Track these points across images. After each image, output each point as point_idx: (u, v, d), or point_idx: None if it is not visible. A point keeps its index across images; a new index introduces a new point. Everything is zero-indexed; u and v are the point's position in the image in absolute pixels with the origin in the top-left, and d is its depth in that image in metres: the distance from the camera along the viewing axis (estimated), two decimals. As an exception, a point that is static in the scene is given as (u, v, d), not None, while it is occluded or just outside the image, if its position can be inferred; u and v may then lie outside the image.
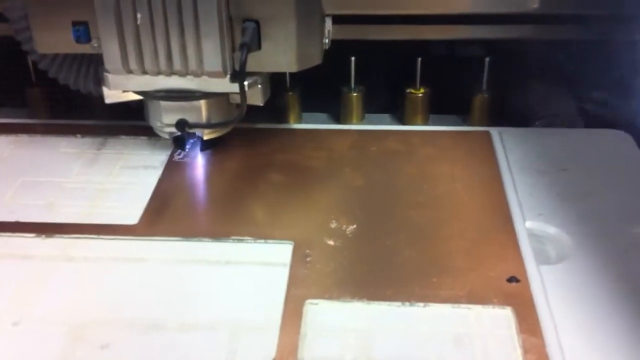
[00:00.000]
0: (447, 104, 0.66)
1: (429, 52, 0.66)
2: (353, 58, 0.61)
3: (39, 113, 0.64)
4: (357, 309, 0.41)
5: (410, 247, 0.46)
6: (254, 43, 0.48)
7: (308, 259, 0.45)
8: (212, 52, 0.48)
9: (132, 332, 0.39)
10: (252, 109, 0.51)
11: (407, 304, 0.41)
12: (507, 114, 0.66)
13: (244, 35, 0.47)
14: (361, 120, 0.63)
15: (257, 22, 0.48)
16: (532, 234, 0.47)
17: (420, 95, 0.62)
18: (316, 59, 0.50)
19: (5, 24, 0.59)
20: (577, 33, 0.65)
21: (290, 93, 0.62)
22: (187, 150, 0.56)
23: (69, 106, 0.64)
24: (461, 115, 0.65)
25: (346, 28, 0.60)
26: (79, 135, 0.59)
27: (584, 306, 0.41)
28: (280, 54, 0.49)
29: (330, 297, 0.42)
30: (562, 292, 0.42)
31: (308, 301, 0.41)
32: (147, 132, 0.57)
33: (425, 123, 0.63)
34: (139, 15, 0.47)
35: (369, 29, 0.64)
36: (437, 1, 0.61)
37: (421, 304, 0.41)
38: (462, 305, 0.41)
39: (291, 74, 0.62)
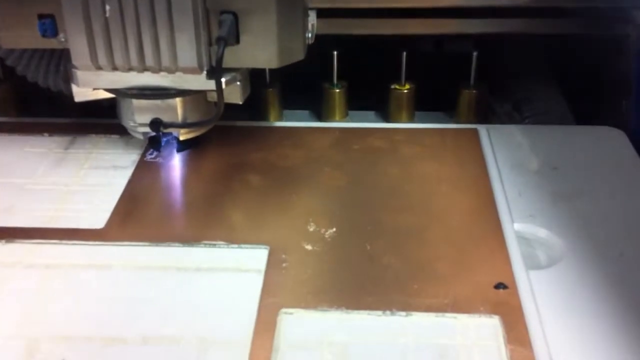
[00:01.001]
0: (432, 100, 0.63)
1: (414, 47, 0.63)
2: (335, 52, 0.58)
3: (7, 111, 0.61)
4: (335, 318, 0.38)
5: (392, 251, 0.43)
6: (232, 37, 0.45)
7: (284, 264, 0.42)
8: (187, 47, 0.45)
9: (90, 346, 0.37)
10: (231, 106, 0.48)
11: (388, 312, 0.39)
12: (494, 111, 0.63)
13: (220, 29, 0.44)
14: (344, 117, 0.61)
15: (235, 15, 0.45)
16: (521, 237, 0.45)
17: (405, 91, 0.59)
18: (298, 54, 0.47)
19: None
20: (567, 27, 0.63)
21: (270, 89, 0.59)
22: (160, 149, 0.53)
23: (39, 104, 0.61)
24: (447, 112, 0.62)
25: (329, 22, 0.57)
26: (46, 134, 0.56)
27: (575, 314, 0.39)
28: (260, 48, 0.46)
29: (307, 306, 0.39)
30: (552, 299, 0.40)
31: (282, 310, 0.39)
32: (120, 130, 0.54)
33: (411, 120, 0.60)
34: (107, 7, 0.44)
35: (352, 22, 0.61)
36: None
37: (403, 313, 0.39)
38: (447, 315, 0.38)
39: (271, 70, 0.59)
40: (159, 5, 0.44)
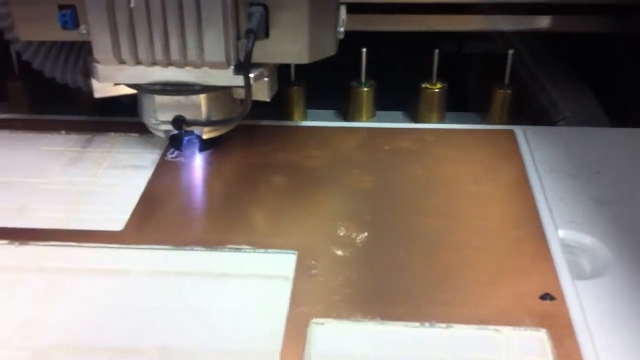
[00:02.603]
0: (461, 100, 0.61)
1: (446, 44, 0.61)
2: (365, 50, 0.56)
3: (21, 108, 0.59)
4: (369, 330, 0.36)
5: (428, 259, 0.40)
6: (262, 30, 0.42)
7: (314, 271, 0.40)
8: (215, 41, 0.43)
9: (105, 357, 0.34)
10: (253, 104, 0.46)
11: (427, 324, 0.36)
12: (526, 112, 0.61)
13: (250, 22, 0.42)
14: (372, 117, 0.58)
15: (265, 7, 0.42)
16: (564, 245, 0.42)
17: (437, 90, 0.56)
18: (330, 50, 0.45)
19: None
20: (599, 25, 0.60)
21: (295, 88, 0.57)
22: (183, 148, 0.50)
23: (53, 101, 0.59)
24: (479, 112, 0.59)
25: (357, 18, 0.55)
26: (63, 132, 0.54)
27: (627, 327, 0.36)
28: (290, 43, 0.43)
29: (339, 316, 0.37)
30: (601, 311, 0.37)
31: (313, 321, 0.36)
32: (140, 129, 0.52)
33: (441, 121, 0.57)
34: None
35: (378, 19, 0.59)
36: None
37: (443, 325, 0.36)
38: (490, 327, 0.36)
39: (296, 66, 0.57)
40: (187, -4, 0.42)
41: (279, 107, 0.57)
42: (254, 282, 0.39)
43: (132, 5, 0.42)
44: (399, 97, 0.60)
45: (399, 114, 0.60)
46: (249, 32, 0.42)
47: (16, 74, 0.59)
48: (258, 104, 0.47)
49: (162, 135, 0.49)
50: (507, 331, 0.36)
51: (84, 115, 0.56)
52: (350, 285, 0.39)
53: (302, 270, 0.40)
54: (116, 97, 0.49)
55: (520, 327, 0.36)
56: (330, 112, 0.60)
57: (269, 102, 0.47)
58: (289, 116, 0.58)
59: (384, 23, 0.60)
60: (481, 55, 0.66)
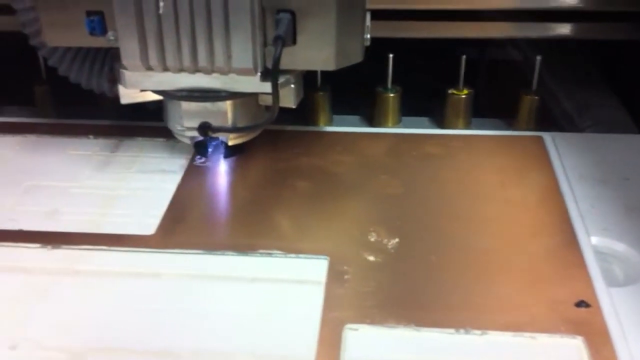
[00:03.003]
0: (485, 106, 0.61)
1: (470, 50, 0.60)
2: (391, 55, 0.56)
3: (48, 112, 0.59)
4: (403, 336, 0.36)
5: (460, 265, 0.40)
6: (289, 37, 0.42)
7: (345, 276, 0.40)
8: (243, 47, 0.43)
9: (139, 360, 0.34)
10: (279, 110, 0.46)
11: (462, 331, 0.36)
12: (551, 118, 0.61)
13: (278, 28, 0.42)
14: (397, 123, 0.58)
15: (292, 13, 0.42)
16: (596, 252, 0.42)
17: (463, 96, 0.56)
18: (356, 57, 0.45)
19: (12, 16, 0.54)
20: (629, 32, 0.60)
21: (321, 93, 0.57)
22: (208, 154, 0.50)
23: (79, 105, 0.59)
24: (505, 118, 0.59)
25: (382, 24, 0.55)
26: (91, 136, 0.54)
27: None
28: (317, 49, 0.43)
29: (372, 322, 0.36)
30: (637, 318, 0.37)
31: (347, 326, 0.36)
32: (166, 134, 0.52)
33: (467, 127, 0.57)
34: (161, 4, 0.42)
35: (406, 25, 0.59)
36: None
37: (478, 332, 0.36)
38: (526, 334, 0.36)
39: (322, 72, 0.57)
40: (215, 3, 0.42)
41: (303, 112, 0.57)
42: (285, 287, 0.39)
43: (161, 11, 0.42)
44: (421, 102, 0.60)
45: (425, 119, 0.59)
46: (277, 38, 0.42)
47: (43, 77, 0.59)
48: (282, 110, 0.47)
49: (187, 141, 0.49)
50: (542, 338, 0.35)
51: (108, 119, 0.56)
52: (382, 290, 0.38)
53: (334, 276, 0.40)
54: (142, 102, 0.49)
55: (556, 334, 0.36)
56: (355, 118, 0.60)
57: (292, 108, 0.47)
58: (313, 121, 0.58)
59: (408, 29, 0.60)
60: (505, 61, 0.66)
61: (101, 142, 0.53)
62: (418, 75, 0.63)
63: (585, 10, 0.58)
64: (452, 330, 0.36)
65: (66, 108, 0.60)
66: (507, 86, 0.64)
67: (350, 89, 0.58)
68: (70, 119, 0.57)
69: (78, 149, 0.52)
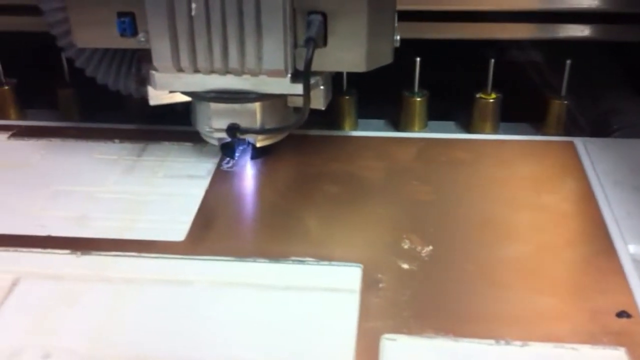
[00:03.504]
0: (512, 110, 0.60)
1: (499, 53, 0.60)
2: (418, 59, 0.55)
3: (71, 115, 0.59)
4: (442, 346, 0.35)
5: (496, 272, 0.40)
6: (320, 38, 0.42)
7: (380, 285, 0.39)
8: (274, 49, 0.42)
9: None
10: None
11: (502, 342, 0.35)
12: (579, 122, 0.60)
13: (309, 29, 0.41)
14: (423, 127, 0.57)
15: (324, 15, 0.42)
16: (634, 260, 0.41)
17: (491, 100, 0.56)
18: (386, 58, 0.45)
19: (36, 17, 0.54)
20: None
21: (347, 97, 0.56)
22: (236, 158, 0.50)
23: (103, 108, 0.59)
24: (532, 123, 0.58)
25: (408, 25, 0.54)
26: (116, 140, 0.53)
27: None
28: (348, 51, 0.43)
29: (410, 332, 0.36)
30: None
31: (384, 336, 0.36)
32: (192, 138, 0.52)
33: (495, 131, 0.56)
34: (193, 6, 0.41)
35: (431, 26, 0.58)
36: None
37: (519, 343, 0.35)
38: (567, 345, 0.35)
39: (348, 75, 0.56)
40: (247, 4, 0.41)
41: (328, 115, 0.56)
42: (319, 295, 0.39)
43: (193, 13, 0.42)
44: (445, 106, 0.60)
45: (451, 123, 0.59)
46: (309, 40, 0.41)
47: (67, 80, 0.59)
48: (309, 112, 0.46)
49: (215, 142, 0.49)
50: (584, 349, 0.35)
51: (131, 122, 0.56)
52: (419, 299, 0.38)
53: (368, 284, 0.39)
54: (169, 104, 0.49)
55: (598, 345, 0.35)
56: (380, 122, 0.59)
57: (318, 111, 0.47)
58: (338, 125, 0.57)
59: (433, 31, 0.59)
60: (534, 64, 0.65)
61: (127, 146, 0.53)
62: (437, 77, 0.63)
63: (607, 12, 0.58)
64: (492, 341, 0.35)
65: (89, 111, 0.60)
66: (529, 90, 0.63)
67: (373, 92, 0.57)
68: (94, 122, 0.57)
69: (104, 153, 0.52)
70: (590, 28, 0.59)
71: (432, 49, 0.56)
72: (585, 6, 0.57)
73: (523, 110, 0.60)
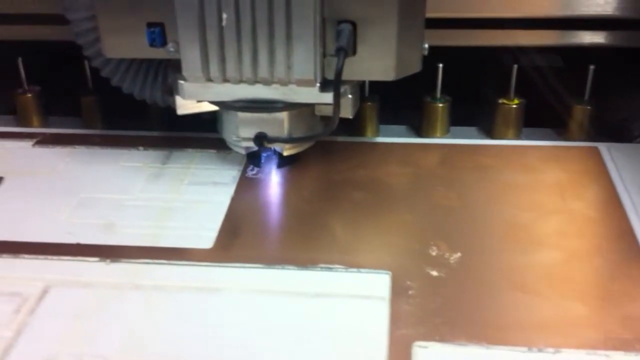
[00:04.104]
0: (534, 115, 0.60)
1: (520, 59, 0.60)
2: (441, 65, 0.55)
3: (94, 123, 0.59)
4: (475, 354, 0.35)
5: (526, 279, 0.40)
6: (350, 48, 0.42)
7: (410, 292, 0.39)
8: (304, 58, 0.42)
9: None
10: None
11: (535, 349, 0.35)
12: (601, 128, 0.60)
13: (339, 39, 0.42)
14: (446, 133, 0.57)
15: (353, 24, 0.42)
16: (663, 267, 0.41)
17: (514, 106, 0.56)
18: (415, 67, 0.45)
19: (58, 26, 0.55)
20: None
21: (369, 103, 0.56)
22: (261, 165, 0.50)
23: (125, 116, 0.59)
24: (555, 128, 0.58)
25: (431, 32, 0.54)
26: (141, 148, 0.54)
27: None
28: (377, 60, 0.43)
29: (442, 339, 0.36)
30: None
31: (416, 343, 0.36)
32: (216, 145, 0.52)
33: (518, 137, 0.56)
34: (224, 16, 0.41)
35: (452, 34, 0.58)
36: (532, 3, 0.55)
37: (551, 350, 0.35)
38: (600, 352, 0.35)
39: (369, 81, 0.56)
40: (277, 13, 0.42)
41: (350, 122, 0.57)
42: (349, 302, 0.39)
43: (224, 23, 0.42)
44: (463, 111, 0.60)
45: (473, 129, 0.59)
46: (340, 49, 0.42)
47: (90, 88, 0.59)
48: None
49: (242, 151, 0.49)
50: (617, 356, 0.35)
51: (154, 129, 0.56)
52: (450, 306, 0.38)
53: (398, 291, 0.39)
54: (197, 113, 0.49)
55: (631, 352, 0.35)
56: (402, 127, 0.59)
57: (341, 118, 0.47)
58: (360, 131, 0.57)
59: (454, 38, 0.59)
60: (556, 69, 0.65)
61: (151, 153, 0.53)
62: (466, 83, 0.63)
63: (623, 19, 0.57)
64: (524, 349, 0.35)
65: (112, 119, 0.60)
66: (549, 95, 0.63)
67: (393, 98, 0.58)
68: (117, 130, 0.57)
69: (129, 161, 0.52)
70: (609, 35, 0.59)
71: (446, 55, 0.57)
72: (602, 13, 0.57)
73: (542, 115, 0.60)
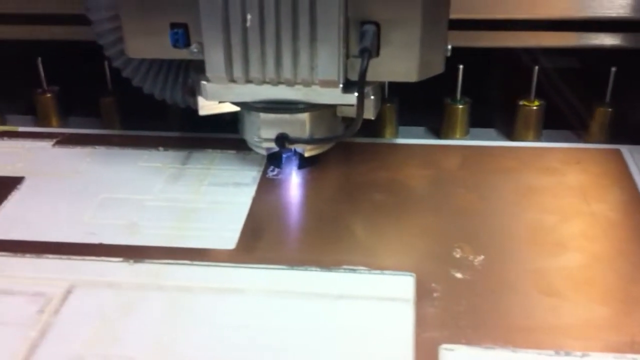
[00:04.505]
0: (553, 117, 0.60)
1: (541, 60, 0.59)
2: (461, 66, 0.55)
3: (113, 123, 0.59)
4: (501, 357, 0.35)
5: (551, 282, 0.39)
6: (374, 49, 0.42)
7: (434, 294, 0.39)
8: (328, 59, 0.42)
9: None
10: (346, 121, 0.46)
11: (562, 352, 0.35)
12: (622, 130, 0.59)
13: (363, 40, 0.41)
14: (465, 135, 0.57)
15: (377, 25, 0.42)
16: (690, 271, 0.41)
17: (534, 108, 0.55)
18: (438, 68, 0.45)
19: (77, 26, 0.55)
20: None
21: (389, 104, 0.56)
22: (282, 166, 0.50)
23: (144, 116, 0.59)
24: (576, 130, 0.58)
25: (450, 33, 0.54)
26: (160, 148, 0.54)
27: None
28: (400, 61, 0.43)
29: (468, 343, 0.36)
30: None
31: (442, 346, 0.35)
32: (236, 146, 0.52)
33: (538, 139, 0.56)
34: (249, 17, 0.41)
35: (475, 35, 0.58)
36: (554, 5, 0.55)
37: (578, 353, 0.35)
38: (628, 356, 0.35)
39: (389, 83, 0.56)
40: (302, 14, 0.41)
41: (368, 123, 0.56)
42: (373, 304, 0.38)
43: (248, 24, 0.42)
44: (481, 113, 0.59)
45: (492, 131, 0.58)
46: (364, 50, 0.41)
47: (109, 89, 0.59)
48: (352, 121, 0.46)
49: (263, 152, 0.49)
50: (645, 361, 0.34)
51: (174, 130, 0.56)
52: (475, 309, 0.38)
53: (422, 293, 0.39)
54: (219, 114, 0.49)
55: (659, 356, 0.34)
56: (420, 129, 0.59)
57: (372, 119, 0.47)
58: (379, 133, 0.57)
59: (477, 39, 0.59)
60: (577, 71, 0.65)
61: (171, 153, 0.53)
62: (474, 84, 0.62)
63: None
64: (551, 352, 0.35)
65: (130, 119, 0.60)
66: (569, 97, 0.63)
67: (412, 99, 0.57)
68: (136, 130, 0.57)
69: (148, 161, 0.52)
70: (629, 36, 0.59)
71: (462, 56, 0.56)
72: (623, 15, 0.56)
73: (561, 117, 0.59)
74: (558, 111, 0.60)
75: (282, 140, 0.46)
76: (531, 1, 0.55)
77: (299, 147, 0.48)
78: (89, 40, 0.50)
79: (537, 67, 0.54)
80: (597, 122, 0.55)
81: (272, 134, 0.46)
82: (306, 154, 0.49)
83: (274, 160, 0.50)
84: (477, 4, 0.56)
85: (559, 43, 0.60)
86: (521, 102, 0.56)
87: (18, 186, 0.49)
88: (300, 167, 0.50)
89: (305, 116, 0.46)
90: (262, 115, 0.46)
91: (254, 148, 0.49)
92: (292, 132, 0.46)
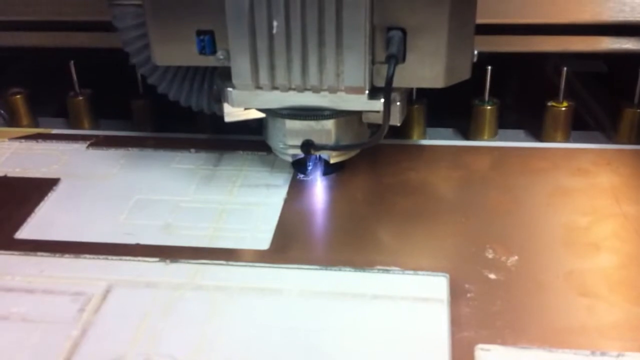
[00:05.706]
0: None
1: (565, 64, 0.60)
2: (489, 67, 0.55)
3: (144, 126, 0.60)
4: (538, 357, 0.35)
5: (585, 282, 0.40)
6: (400, 55, 0.42)
7: (469, 294, 0.39)
8: (355, 65, 0.42)
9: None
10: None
11: (598, 352, 0.35)
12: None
13: (390, 46, 0.42)
14: (493, 136, 0.57)
15: (403, 31, 0.42)
16: None
17: (563, 109, 0.55)
18: (465, 74, 0.44)
19: (105, 33, 0.56)
20: None
21: (416, 106, 0.57)
22: (307, 173, 0.50)
23: (175, 119, 0.60)
24: (604, 131, 0.58)
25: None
26: (192, 150, 0.54)
27: None
28: (427, 67, 0.43)
29: (504, 343, 0.36)
30: None
31: (478, 346, 0.36)
32: (267, 147, 0.52)
33: (567, 140, 0.56)
34: (275, 24, 0.42)
35: (501, 40, 0.58)
36: (583, 9, 0.55)
37: (614, 353, 0.35)
38: (664, 357, 0.35)
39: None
40: (328, 21, 0.42)
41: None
42: (408, 304, 0.39)
43: (275, 31, 0.42)
44: (508, 114, 0.60)
45: (521, 132, 0.59)
46: (390, 56, 0.41)
47: (140, 92, 0.60)
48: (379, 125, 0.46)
49: (289, 159, 0.49)
50: (682, 361, 0.34)
51: (204, 132, 0.57)
52: (510, 310, 0.38)
53: (457, 294, 0.39)
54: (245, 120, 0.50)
55: (696, 357, 0.35)
56: (448, 130, 0.59)
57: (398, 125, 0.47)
58: (407, 134, 0.58)
59: (504, 44, 0.59)
60: (603, 73, 0.65)
61: (203, 155, 0.54)
62: (513, 87, 0.63)
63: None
64: (587, 352, 0.35)
65: (161, 121, 0.61)
66: (596, 98, 0.63)
67: (439, 101, 0.58)
68: (167, 132, 0.58)
69: (181, 163, 0.53)
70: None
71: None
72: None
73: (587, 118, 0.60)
74: (586, 112, 0.60)
75: (307, 147, 0.46)
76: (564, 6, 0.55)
77: (324, 154, 0.48)
78: (120, 47, 0.51)
79: (565, 69, 0.54)
80: (625, 123, 0.55)
81: (297, 140, 0.46)
82: (332, 161, 0.49)
83: (299, 166, 0.51)
84: (505, 8, 0.56)
85: (588, 47, 0.60)
86: (550, 103, 0.56)
87: (54, 187, 0.50)
88: (325, 173, 0.50)
89: (331, 123, 0.46)
90: (288, 122, 0.46)
91: (279, 154, 0.49)
92: (318, 139, 0.46)
